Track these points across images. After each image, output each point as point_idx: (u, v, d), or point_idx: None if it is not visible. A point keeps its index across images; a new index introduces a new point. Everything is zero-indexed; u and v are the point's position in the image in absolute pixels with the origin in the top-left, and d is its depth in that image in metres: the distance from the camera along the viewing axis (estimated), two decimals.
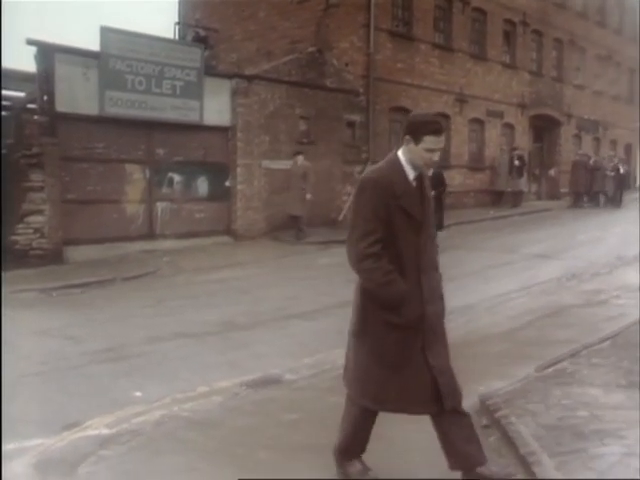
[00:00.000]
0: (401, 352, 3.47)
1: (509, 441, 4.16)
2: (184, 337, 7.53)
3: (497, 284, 10.31)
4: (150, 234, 14.04)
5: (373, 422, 3.78)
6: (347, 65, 18.32)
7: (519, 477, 3.77)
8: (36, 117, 12.22)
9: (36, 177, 11.91)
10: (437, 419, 3.57)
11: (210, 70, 15.42)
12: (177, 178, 14.52)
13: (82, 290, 10.42)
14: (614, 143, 31.95)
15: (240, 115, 15.30)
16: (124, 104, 13.23)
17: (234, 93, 15.23)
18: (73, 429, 4.73)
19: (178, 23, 21.40)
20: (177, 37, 19.95)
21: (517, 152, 23.75)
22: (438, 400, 3.47)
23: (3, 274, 10.47)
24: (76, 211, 12.68)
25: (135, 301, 9.70)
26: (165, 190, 14.38)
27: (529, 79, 25.64)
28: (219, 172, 15.17)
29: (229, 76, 15.61)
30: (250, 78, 15.66)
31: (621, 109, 31.86)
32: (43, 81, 12.26)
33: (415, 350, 3.47)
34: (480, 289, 9.84)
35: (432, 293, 3.52)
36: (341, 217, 17.51)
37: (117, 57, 13.03)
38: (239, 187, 15.29)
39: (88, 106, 12.78)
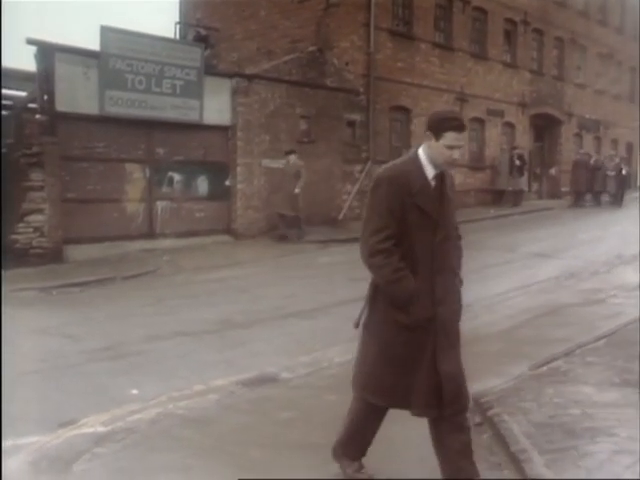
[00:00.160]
0: (410, 353, 3.43)
1: (500, 439, 4.19)
2: (182, 336, 7.56)
3: (496, 283, 10.32)
4: (150, 233, 14.07)
5: (376, 421, 3.75)
6: (347, 64, 18.32)
7: (511, 477, 3.81)
8: (37, 116, 12.25)
9: (36, 176, 11.95)
10: (435, 424, 3.54)
11: (210, 69, 15.45)
12: (177, 177, 14.54)
13: (82, 289, 10.46)
14: (615, 142, 31.92)
15: (240, 114, 15.32)
16: (124, 103, 13.26)
17: (234, 92, 15.26)
18: (69, 427, 4.77)
19: (179, 22, 21.42)
20: (178, 36, 19.95)
21: (517, 151, 23.74)
22: (440, 405, 3.43)
23: (3, 273, 10.52)
24: (76, 210, 12.71)
25: (134, 300, 9.74)
26: (165, 189, 14.40)
27: (530, 78, 25.63)
28: (219, 171, 15.19)
29: (229, 75, 15.64)
30: (250, 77, 15.69)
31: (622, 108, 31.84)
32: (43, 80, 12.28)
33: (425, 352, 3.41)
34: (478, 288, 9.83)
35: (446, 294, 3.45)
36: (341, 216, 17.56)
37: (117, 56, 13.05)
38: (239, 186, 15.31)
39: (88, 105, 12.81)
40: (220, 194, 15.24)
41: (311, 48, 18.06)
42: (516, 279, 10.70)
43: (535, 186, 27.00)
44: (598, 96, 30.08)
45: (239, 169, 15.31)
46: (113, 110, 13.11)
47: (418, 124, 20.37)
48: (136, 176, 13.88)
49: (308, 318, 8.44)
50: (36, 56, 12.27)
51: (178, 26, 21.03)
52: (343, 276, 11.26)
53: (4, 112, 11.90)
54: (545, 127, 27.42)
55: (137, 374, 6.12)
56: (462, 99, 21.97)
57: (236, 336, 7.59)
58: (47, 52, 12.27)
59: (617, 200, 24.40)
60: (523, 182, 24.04)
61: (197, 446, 4.43)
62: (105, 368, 6.33)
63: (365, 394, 3.63)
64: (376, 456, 3.92)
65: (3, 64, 11.85)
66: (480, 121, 23.23)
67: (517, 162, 23.27)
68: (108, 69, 12.95)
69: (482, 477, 3.55)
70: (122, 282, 11.02)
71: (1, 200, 11.22)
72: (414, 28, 20.19)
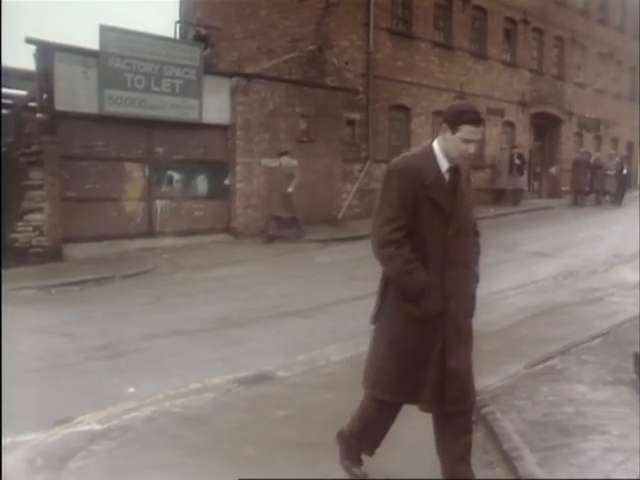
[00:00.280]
0: (421, 347, 3.39)
1: (493, 437, 4.21)
2: (180, 334, 7.59)
3: (494, 282, 10.28)
4: (149, 232, 14.10)
5: (386, 419, 3.69)
6: (347, 63, 18.34)
7: (503, 474, 3.83)
8: (38, 115, 12.26)
9: (36, 175, 11.98)
10: (439, 422, 3.53)
11: (210, 68, 15.46)
12: (176, 176, 14.58)
13: (81, 287, 10.49)
14: (615, 141, 31.91)
15: (240, 113, 15.35)
16: (123, 103, 13.29)
17: (233, 91, 15.28)
18: (65, 424, 4.79)
19: (179, 22, 21.43)
20: (178, 36, 19.98)
21: (517, 150, 23.77)
22: (444, 401, 3.42)
23: (3, 272, 10.56)
24: (76, 209, 12.75)
25: (133, 298, 9.77)
26: (164, 188, 14.44)
27: (530, 77, 25.64)
28: (218, 170, 15.22)
29: (229, 74, 15.66)
30: (249, 76, 15.71)
31: (623, 107, 31.82)
32: (42, 80, 12.32)
33: (435, 347, 3.38)
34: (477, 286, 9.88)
35: (457, 289, 3.40)
36: (340, 215, 17.59)
37: (116, 56, 13.08)
38: (238, 185, 15.34)
39: (88, 105, 12.85)
40: (219, 193, 15.27)
41: (311, 47, 18.08)
42: (514, 278, 10.71)
43: (535, 185, 27.00)
44: (598, 95, 30.07)
45: (238, 168, 15.33)
46: (112, 109, 13.15)
47: (418, 123, 20.45)
48: (135, 175, 13.92)
49: (306, 317, 8.46)
50: (35, 55, 12.31)
51: (178, 25, 21.05)
52: (342, 275, 11.31)
53: (4, 111, 11.92)
54: (545, 126, 27.43)
55: (134, 372, 6.15)
56: (462, 98, 21.93)
57: (233, 334, 7.63)
58: (46, 51, 12.30)
59: (617, 199, 24.40)
60: (523, 181, 24.07)
61: (192, 444, 4.45)
62: (102, 366, 6.36)
63: (375, 392, 3.59)
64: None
65: (3, 63, 11.89)
66: None
67: (517, 161, 23.30)
68: (107, 68, 12.99)
69: (475, 475, 3.56)
70: (121, 281, 11.05)
71: (1, 199, 11.25)
72: (414, 27, 20.21)
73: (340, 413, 4.94)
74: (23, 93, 13.11)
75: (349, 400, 5.23)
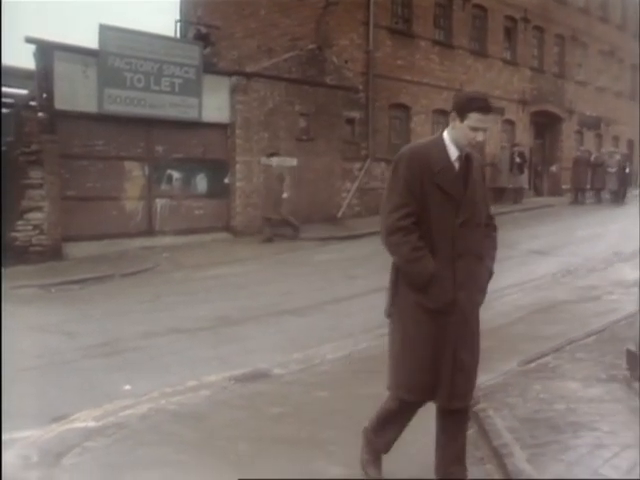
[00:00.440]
0: (433, 339, 3.32)
1: (485, 434, 4.24)
2: (178, 332, 7.64)
3: (493, 280, 10.32)
4: (149, 231, 14.15)
5: (402, 416, 3.60)
6: (347, 62, 18.36)
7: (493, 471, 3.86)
8: (40, 114, 12.30)
9: (35, 174, 12.03)
10: (442, 416, 3.51)
11: (210, 67, 15.50)
12: (176, 175, 14.63)
13: (81, 286, 10.54)
14: (616, 139, 31.87)
15: (239, 112, 15.39)
16: (123, 101, 13.34)
17: (233, 90, 15.32)
18: (62, 421, 4.83)
19: (179, 21, 21.47)
20: (179, 35, 20.01)
21: (518, 149, 23.76)
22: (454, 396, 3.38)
23: (3, 270, 10.61)
24: (76, 208, 12.81)
25: (132, 297, 9.81)
26: (164, 187, 14.49)
27: (530, 75, 25.63)
28: (218, 169, 15.27)
29: (228, 73, 15.70)
30: (249, 75, 15.74)
31: (624, 105, 31.77)
32: (42, 79, 12.37)
33: (448, 339, 3.32)
34: None
35: (467, 279, 3.33)
36: (340, 214, 17.62)
37: (116, 55, 13.14)
38: (238, 184, 15.38)
39: (87, 104, 12.90)
40: (219, 192, 15.32)
41: (311, 46, 18.12)
42: (513, 276, 10.71)
43: (536, 183, 26.98)
44: (599, 93, 30.04)
45: (238, 167, 15.38)
46: (112, 108, 13.19)
47: (418, 122, 20.46)
48: (135, 174, 13.96)
49: (303, 315, 8.50)
50: (35, 54, 12.35)
51: (179, 24, 21.09)
52: (340, 273, 11.35)
53: (4, 110, 11.96)
54: (546, 124, 27.41)
55: (131, 370, 6.19)
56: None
57: (231, 333, 7.66)
58: (46, 51, 12.36)
59: (619, 197, 24.36)
60: (524, 180, 24.06)
61: (186, 441, 4.49)
62: (100, 364, 6.41)
63: (392, 389, 3.54)
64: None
65: (4, 62, 11.92)
66: None
67: (518, 159, 23.29)
68: (107, 67, 13.04)
69: (468, 475, 3.58)
70: (121, 279, 11.11)
71: (1, 198, 11.30)
72: (413, 26, 20.22)
73: (334, 410, 5.02)
74: (24, 92, 13.16)
75: (343, 397, 5.32)
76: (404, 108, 20.10)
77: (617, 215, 20.43)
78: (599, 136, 30.68)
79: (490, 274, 3.56)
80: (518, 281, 10.32)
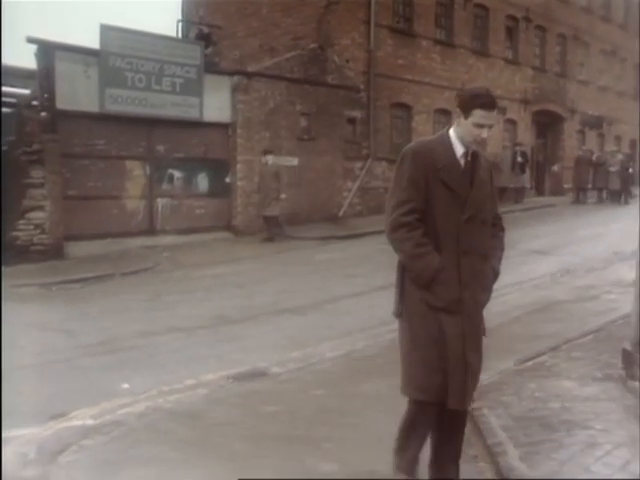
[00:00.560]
0: (442, 339, 3.25)
1: (479, 432, 4.26)
2: (177, 331, 7.67)
3: None
4: (150, 230, 14.20)
5: (422, 424, 3.47)
6: (348, 61, 18.39)
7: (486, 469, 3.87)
8: (42, 114, 12.34)
9: (37, 173, 12.09)
10: (443, 417, 3.42)
11: (211, 67, 15.53)
12: (177, 174, 14.67)
13: (81, 285, 10.60)
14: (618, 139, 31.82)
15: (240, 111, 15.43)
16: (124, 101, 13.39)
17: (234, 90, 15.35)
18: (59, 419, 4.86)
19: (181, 20, 21.50)
20: (180, 34, 20.03)
21: (520, 148, 23.75)
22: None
23: (4, 269, 10.65)
24: (77, 207, 12.86)
25: (132, 296, 9.85)
26: (165, 186, 14.54)
27: (532, 75, 25.62)
28: (219, 168, 15.31)
29: (229, 73, 15.72)
30: (250, 75, 15.77)
31: (626, 105, 31.70)
32: (44, 79, 12.42)
33: (456, 338, 3.25)
34: None
35: (472, 278, 3.28)
36: (341, 213, 17.64)
37: (117, 55, 13.19)
38: (239, 183, 15.41)
39: (88, 103, 12.95)
40: (220, 191, 15.35)
41: (312, 45, 18.15)
42: (512, 276, 10.66)
43: (537, 183, 26.97)
44: (601, 93, 30.00)
45: (239, 166, 15.41)
46: (113, 108, 13.24)
47: (419, 121, 20.48)
48: (136, 173, 14.01)
49: (302, 314, 8.52)
50: (36, 54, 12.39)
51: (180, 24, 21.11)
52: (340, 272, 11.37)
53: (6, 110, 12.00)
54: (548, 124, 27.38)
55: (129, 369, 6.22)
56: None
57: (230, 331, 7.68)
58: (47, 51, 12.41)
59: (622, 197, 24.27)
60: (525, 179, 24.04)
61: (181, 439, 4.52)
62: (98, 363, 6.44)
63: (403, 389, 3.44)
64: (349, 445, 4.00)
65: (6, 62, 11.97)
66: None
67: (519, 159, 23.27)
68: (108, 67, 13.08)
69: (461, 475, 3.58)
70: (121, 278, 11.16)
71: (2, 197, 11.35)
72: (415, 25, 20.23)
73: (328, 408, 5.05)
74: (26, 92, 13.19)
75: (338, 395, 5.35)
76: (405, 107, 20.11)
77: (619, 215, 20.38)
78: (601, 136, 30.64)
79: (496, 274, 3.51)
80: (517, 280, 10.31)
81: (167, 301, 9.38)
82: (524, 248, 13.74)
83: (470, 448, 4.18)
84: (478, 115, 3.25)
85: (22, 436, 4.54)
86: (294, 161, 16.45)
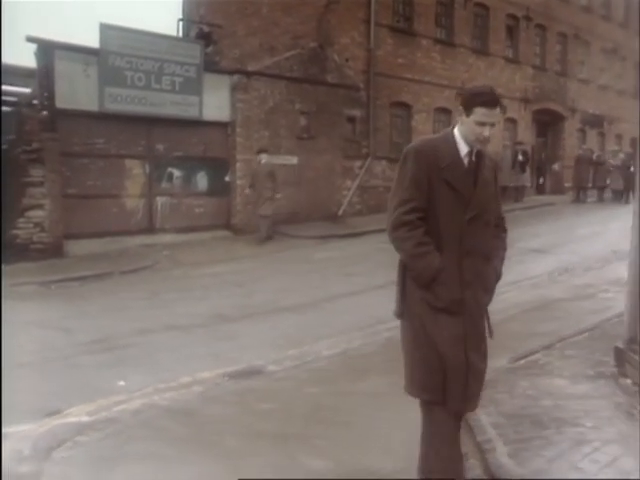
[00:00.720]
0: (444, 339, 3.21)
1: (469, 429, 4.29)
2: (174, 329, 7.70)
3: None
4: (150, 228, 14.23)
5: (437, 418, 3.38)
6: (348, 60, 18.39)
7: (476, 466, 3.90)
8: (43, 113, 12.36)
9: (36, 172, 12.12)
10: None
11: (211, 66, 15.55)
12: (177, 173, 14.69)
13: (80, 283, 10.63)
14: (619, 137, 31.79)
15: (240, 110, 15.44)
16: (124, 100, 13.41)
17: (234, 89, 15.37)
18: (55, 416, 4.91)
19: (181, 19, 21.51)
20: (181, 33, 20.04)
21: (521, 147, 23.74)
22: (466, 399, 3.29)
23: (4, 267, 10.70)
24: (76, 206, 12.88)
25: (130, 294, 9.88)
26: (165, 185, 14.56)
27: (532, 73, 25.59)
28: (219, 167, 15.32)
29: (229, 72, 15.75)
30: (250, 74, 15.80)
31: (627, 103, 31.62)
32: (43, 78, 12.44)
33: (458, 339, 3.22)
34: None
35: (474, 279, 3.25)
36: (341, 212, 17.66)
37: (117, 54, 13.20)
38: (239, 182, 15.41)
39: (88, 102, 12.96)
40: (220, 190, 15.38)
41: (312, 44, 18.15)
42: (510, 274, 10.64)
43: (538, 181, 26.96)
44: (602, 91, 29.96)
45: (238, 165, 15.42)
46: (113, 107, 13.27)
47: (419, 120, 20.48)
48: (136, 172, 14.03)
49: (300, 312, 8.55)
50: (36, 54, 12.43)
51: (181, 23, 21.12)
52: (338, 271, 11.40)
53: (6, 108, 12.04)
54: (548, 122, 27.36)
55: (126, 366, 6.26)
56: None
57: (227, 330, 7.72)
58: (47, 50, 12.43)
59: (623, 196, 24.21)
60: (526, 178, 24.03)
61: (175, 436, 4.56)
62: (95, 360, 6.48)
63: (406, 388, 3.41)
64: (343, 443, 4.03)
65: (6, 61, 12.01)
66: None
67: (520, 158, 23.27)
68: (108, 66, 13.10)
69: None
70: (120, 276, 11.19)
71: (2, 196, 11.39)
72: (415, 24, 20.21)
73: (321, 406, 5.08)
74: (26, 91, 13.23)
75: (333, 394, 5.38)
76: (405, 106, 20.11)
77: (619, 214, 20.34)
78: (602, 134, 30.61)
79: (498, 276, 3.47)
80: (515, 279, 10.33)
81: (165, 299, 9.42)
82: (523, 247, 13.76)
83: (461, 446, 4.21)
84: (479, 113, 3.22)
85: (18, 433, 4.57)
86: (293, 160, 16.47)
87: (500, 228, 3.55)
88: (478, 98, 3.24)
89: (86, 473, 4.08)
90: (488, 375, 5.25)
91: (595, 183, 24.64)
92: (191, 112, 14.51)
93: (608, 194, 24.77)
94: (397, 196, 3.29)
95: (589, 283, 10.18)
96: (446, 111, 20.79)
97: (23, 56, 13.23)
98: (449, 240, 3.24)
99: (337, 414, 4.90)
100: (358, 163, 18.40)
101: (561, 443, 3.94)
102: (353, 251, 13.67)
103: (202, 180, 15.17)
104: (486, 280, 3.35)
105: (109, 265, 11.80)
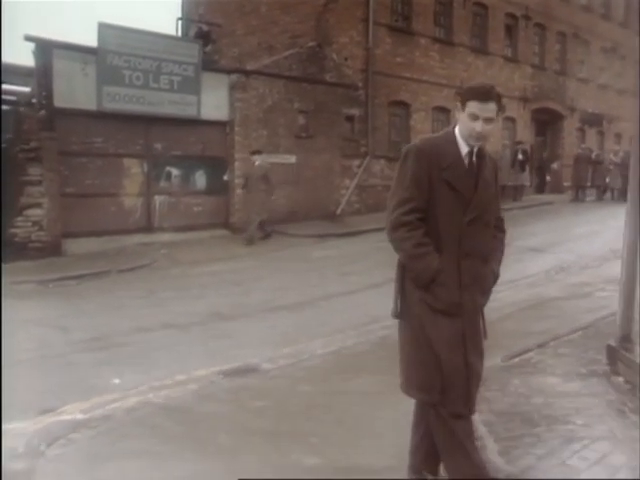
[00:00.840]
0: (445, 341, 3.18)
1: None
2: (170, 327, 7.74)
3: None
4: (148, 227, 14.25)
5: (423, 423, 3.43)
6: (346, 59, 18.44)
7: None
8: (41, 112, 12.38)
9: (34, 171, 12.16)
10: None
11: (209, 65, 15.57)
12: (175, 172, 14.72)
13: (78, 282, 10.66)
14: (619, 137, 31.80)
15: (238, 109, 15.46)
16: (122, 99, 13.43)
17: (232, 88, 15.39)
18: (49, 413, 4.93)
19: (181, 19, 21.57)
20: (180, 33, 20.09)
21: (521, 146, 23.75)
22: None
23: (3, 266, 10.72)
24: (75, 204, 12.90)
25: (128, 292, 9.91)
26: (163, 184, 14.58)
27: (531, 72, 25.60)
28: (217, 166, 15.34)
29: (227, 71, 15.77)
30: (248, 73, 15.82)
31: (627, 102, 31.60)
32: (41, 77, 12.46)
33: (457, 341, 3.18)
34: None
35: (472, 280, 3.21)
36: (339, 211, 17.68)
37: (115, 53, 13.22)
38: (237, 181, 15.42)
39: (86, 101, 12.98)
40: (218, 189, 15.40)
41: (311, 43, 18.23)
42: (507, 273, 10.64)
43: (537, 180, 26.97)
44: (602, 90, 29.97)
45: (237, 164, 15.44)
46: (111, 106, 13.28)
47: (418, 119, 20.50)
48: (134, 171, 14.06)
49: (296, 311, 8.58)
50: (34, 53, 12.44)
51: (180, 22, 21.17)
52: (335, 270, 11.42)
53: (4, 107, 12.06)
54: (547, 121, 27.37)
55: (121, 364, 6.29)
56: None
57: (223, 328, 7.75)
58: (45, 49, 12.44)
59: (624, 195, 24.17)
60: (525, 177, 24.04)
61: (168, 433, 4.58)
62: (91, 358, 6.51)
63: (404, 388, 3.39)
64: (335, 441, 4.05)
65: (6, 60, 12.01)
66: None
67: (520, 157, 23.28)
68: (106, 65, 13.12)
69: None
70: (118, 275, 11.22)
71: (0, 194, 11.42)
72: (413, 23, 20.23)
73: (314, 404, 5.11)
74: (26, 90, 13.23)
75: (325, 392, 5.41)
76: (404, 105, 20.13)
77: (618, 212, 20.29)
78: (601, 133, 30.63)
79: (495, 277, 3.43)
80: (512, 278, 10.32)
81: (163, 298, 9.45)
82: (521, 246, 13.76)
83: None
84: (472, 106, 3.17)
85: (12, 430, 4.59)
86: (292, 159, 16.50)
87: (498, 229, 3.52)
88: (472, 91, 3.22)
89: (79, 470, 4.10)
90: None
91: (594, 182, 24.66)
92: (189, 111, 14.53)
93: (607, 193, 24.79)
94: (397, 195, 3.26)
95: (586, 282, 10.18)
96: (445, 110, 20.80)
97: (24, 55, 13.26)
98: (448, 241, 3.21)
99: (329, 412, 4.93)
100: (356, 162, 18.43)
101: (551, 440, 3.96)
102: (351, 250, 13.69)
103: (200, 179, 15.21)
104: (484, 282, 3.33)
105: (107, 264, 11.83)
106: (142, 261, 12.20)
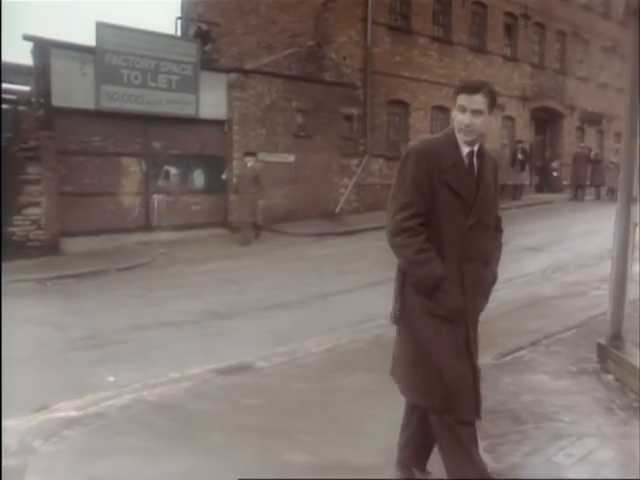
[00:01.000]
0: (447, 345, 3.12)
1: None
2: (167, 326, 7.77)
3: None
4: (146, 226, 14.31)
5: (419, 426, 3.44)
6: (345, 59, 18.49)
7: None
8: (39, 112, 12.42)
9: (33, 170, 12.22)
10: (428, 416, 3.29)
11: (208, 64, 15.61)
12: (173, 171, 14.77)
13: (76, 280, 10.70)
14: (618, 136, 31.73)
15: (237, 108, 15.51)
16: (120, 98, 13.48)
17: (231, 87, 15.43)
18: (43, 411, 4.97)
19: (180, 18, 21.60)
20: (179, 32, 20.12)
21: (521, 145, 23.78)
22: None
23: (3, 265, 10.76)
24: (73, 203, 12.97)
25: (125, 291, 9.96)
26: (161, 183, 14.64)
27: (531, 71, 25.63)
28: (215, 165, 15.39)
29: (225, 70, 15.80)
30: (246, 72, 15.85)
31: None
32: (40, 76, 12.51)
33: (460, 345, 3.13)
34: None
35: (473, 285, 3.15)
36: (338, 210, 17.72)
37: (113, 52, 13.28)
38: (235, 180, 15.47)
39: (84, 100, 13.05)
40: (216, 188, 15.45)
41: (310, 42, 18.25)
42: (503, 272, 10.63)
43: (536, 180, 27.00)
44: (601, 89, 29.96)
45: (235, 163, 15.47)
46: (109, 105, 13.34)
47: (417, 118, 20.53)
48: (132, 170, 14.11)
49: (293, 309, 8.62)
50: (33, 52, 12.48)
51: (179, 21, 21.20)
52: (332, 269, 11.46)
53: (4, 106, 12.10)
54: (547, 120, 27.40)
55: (116, 362, 6.32)
56: None
57: (219, 326, 7.79)
58: (43, 48, 12.50)
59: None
60: (524, 176, 24.07)
61: (160, 430, 4.61)
62: (87, 356, 6.55)
63: (412, 397, 3.34)
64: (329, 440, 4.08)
65: (6, 60, 12.06)
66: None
67: (520, 156, 23.30)
68: (104, 64, 13.17)
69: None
70: (115, 274, 11.26)
71: (0, 193, 11.47)
72: (412, 22, 20.27)
73: (307, 402, 5.15)
74: (26, 89, 13.26)
75: (319, 390, 5.44)
76: (403, 104, 20.17)
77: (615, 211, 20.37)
78: (600, 132, 30.64)
79: (494, 278, 3.39)
80: (508, 277, 10.32)
81: (160, 296, 9.48)
82: (518, 245, 13.78)
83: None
84: (460, 99, 3.14)
85: (5, 427, 4.63)
86: (290, 158, 16.55)
87: (496, 228, 3.46)
88: (461, 85, 3.23)
89: (72, 467, 4.14)
90: None
91: (593, 181, 24.67)
92: (187, 110, 14.57)
93: (609, 193, 24.76)
94: (397, 200, 3.19)
95: (581, 280, 10.20)
96: (444, 109, 20.82)
97: (24, 54, 13.30)
98: (450, 246, 3.14)
99: (322, 410, 4.96)
100: (355, 161, 18.47)
101: (538, 438, 4.00)
102: (349, 249, 13.73)
103: (199, 178, 15.26)
104: (484, 285, 3.29)
105: (105, 262, 11.87)
106: (140, 260, 12.24)
